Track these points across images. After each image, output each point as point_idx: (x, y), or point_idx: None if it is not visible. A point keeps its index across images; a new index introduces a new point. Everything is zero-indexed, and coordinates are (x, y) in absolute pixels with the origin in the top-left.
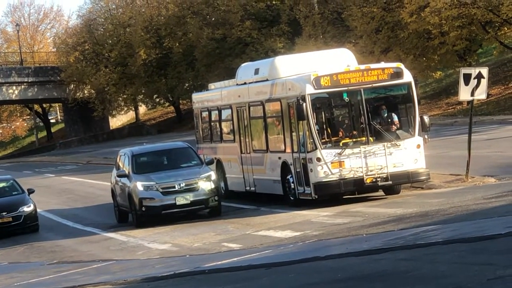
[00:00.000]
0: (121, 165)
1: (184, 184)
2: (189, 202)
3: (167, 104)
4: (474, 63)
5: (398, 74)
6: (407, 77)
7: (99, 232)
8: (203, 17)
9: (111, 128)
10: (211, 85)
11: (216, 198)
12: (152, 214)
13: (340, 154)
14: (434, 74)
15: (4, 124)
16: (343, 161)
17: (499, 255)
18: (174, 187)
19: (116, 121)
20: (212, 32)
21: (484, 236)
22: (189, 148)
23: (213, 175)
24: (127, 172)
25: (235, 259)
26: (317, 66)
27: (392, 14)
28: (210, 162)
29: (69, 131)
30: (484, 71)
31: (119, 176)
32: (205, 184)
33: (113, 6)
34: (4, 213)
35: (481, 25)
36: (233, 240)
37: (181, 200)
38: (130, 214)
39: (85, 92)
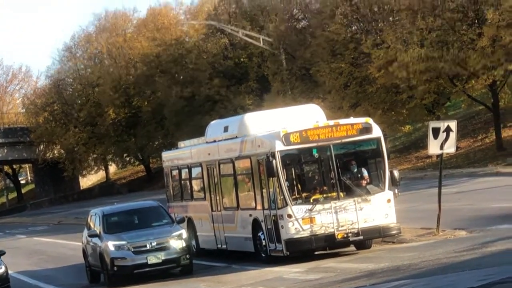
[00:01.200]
0: (92, 225)
1: (155, 243)
2: (160, 261)
3: (137, 163)
4: (443, 116)
5: (367, 129)
6: (376, 132)
7: None
8: (172, 75)
9: (81, 188)
10: (181, 143)
11: (187, 256)
12: (124, 273)
13: (310, 210)
14: (403, 128)
15: None
16: (314, 217)
17: None
18: (145, 246)
19: (87, 181)
20: (181, 91)
21: None
22: (160, 207)
23: (184, 233)
24: (98, 232)
25: None
26: (286, 123)
27: (360, 69)
28: (181, 221)
29: (39, 192)
30: (453, 124)
31: (90, 236)
32: (177, 242)
33: (82, 66)
34: None
35: (448, 79)
36: None
37: (152, 259)
38: (102, 274)
39: (55, 152)
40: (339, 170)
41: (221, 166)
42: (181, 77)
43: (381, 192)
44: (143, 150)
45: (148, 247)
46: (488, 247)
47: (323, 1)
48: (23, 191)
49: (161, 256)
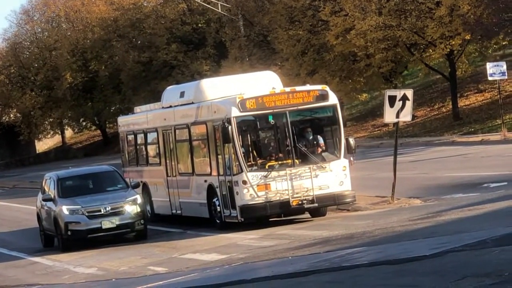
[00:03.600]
0: (46, 189)
1: (109, 208)
2: (115, 226)
3: (93, 127)
4: (400, 85)
5: (323, 96)
6: (332, 99)
7: (25, 256)
8: (129, 40)
9: (37, 152)
10: (137, 109)
11: (142, 221)
12: (78, 238)
13: (266, 176)
14: (360, 96)
15: None
16: (269, 184)
17: (424, 277)
18: (99, 211)
19: (43, 145)
20: (138, 55)
21: (409, 258)
22: (115, 172)
23: (139, 198)
24: (52, 196)
25: (160, 282)
26: (242, 89)
27: (317, 37)
28: (136, 186)
29: None
30: (409, 93)
31: (44, 200)
32: (131, 207)
33: (39, 30)
34: None
35: (406, 47)
36: (159, 263)
37: (107, 224)
38: (56, 238)
39: (11, 116)
40: (295, 137)
41: (177, 131)
42: (139, 42)
43: (337, 159)
44: (100, 114)
45: (102, 211)
46: (442, 215)
47: None
48: None
49: (115, 221)
